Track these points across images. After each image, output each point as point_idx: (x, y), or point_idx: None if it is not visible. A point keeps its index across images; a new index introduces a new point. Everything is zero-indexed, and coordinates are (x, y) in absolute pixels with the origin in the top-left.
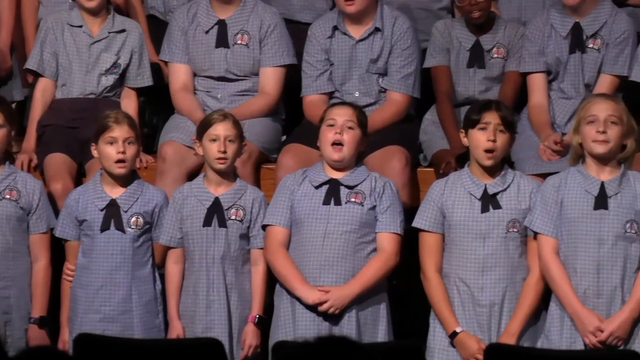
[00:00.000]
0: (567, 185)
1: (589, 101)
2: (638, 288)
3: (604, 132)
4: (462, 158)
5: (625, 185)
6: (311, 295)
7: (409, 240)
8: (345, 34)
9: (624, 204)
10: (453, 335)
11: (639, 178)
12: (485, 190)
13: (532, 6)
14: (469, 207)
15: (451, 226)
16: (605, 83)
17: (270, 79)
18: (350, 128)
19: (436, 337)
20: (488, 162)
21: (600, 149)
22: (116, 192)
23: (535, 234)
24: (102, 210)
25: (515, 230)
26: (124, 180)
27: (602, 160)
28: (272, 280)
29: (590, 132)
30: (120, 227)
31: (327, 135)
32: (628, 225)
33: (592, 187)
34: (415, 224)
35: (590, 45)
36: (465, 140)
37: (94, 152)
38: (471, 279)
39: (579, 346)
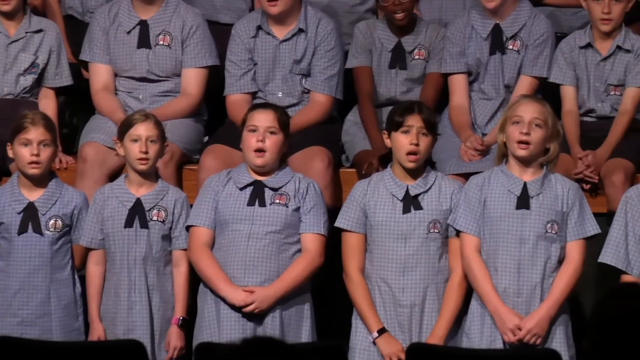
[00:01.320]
0: (491, 184)
1: (517, 101)
2: (556, 287)
3: (527, 134)
4: (385, 158)
5: (547, 186)
6: (236, 296)
7: (332, 240)
8: (269, 34)
9: (546, 205)
10: (379, 333)
11: (560, 179)
12: (407, 191)
13: (452, 7)
14: (391, 207)
15: (373, 226)
16: (524, 84)
17: (193, 80)
18: (272, 133)
19: (358, 337)
20: (411, 165)
21: (521, 152)
22: (34, 195)
23: (458, 232)
24: (19, 213)
25: (436, 231)
26: (42, 182)
27: (524, 162)
28: (194, 281)
29: (514, 133)
30: (38, 230)
31: (250, 141)
32: (549, 225)
33: (514, 187)
34: (338, 224)
35: (510, 47)
36: (388, 142)
37: (10, 153)
38: (392, 279)
39: (499, 344)
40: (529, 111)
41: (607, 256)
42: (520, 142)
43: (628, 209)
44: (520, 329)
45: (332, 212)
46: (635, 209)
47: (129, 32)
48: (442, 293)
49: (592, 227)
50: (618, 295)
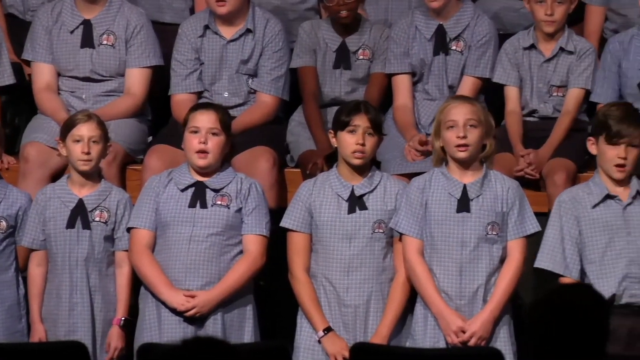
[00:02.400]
0: (432, 187)
1: (447, 105)
2: (498, 288)
3: (464, 137)
4: (331, 159)
5: (487, 187)
6: (177, 300)
7: (277, 240)
8: (216, 33)
9: (486, 207)
10: (326, 331)
11: (500, 178)
12: (352, 191)
13: (398, 8)
14: (336, 207)
15: (318, 226)
16: (468, 85)
17: (136, 79)
18: (214, 134)
19: (302, 336)
20: (357, 162)
21: (461, 155)
22: None
23: (401, 235)
24: None
25: (380, 231)
26: None
27: (464, 164)
28: (137, 282)
29: (451, 138)
30: None
31: (192, 143)
32: (489, 227)
33: (454, 189)
34: (283, 223)
35: (454, 48)
36: (334, 142)
37: None
38: (337, 279)
39: (442, 345)
40: (462, 113)
41: (544, 261)
42: (458, 145)
43: (562, 212)
44: (464, 331)
45: (277, 212)
46: (569, 212)
47: (72, 32)
48: (387, 292)
49: (532, 225)
50: (556, 295)
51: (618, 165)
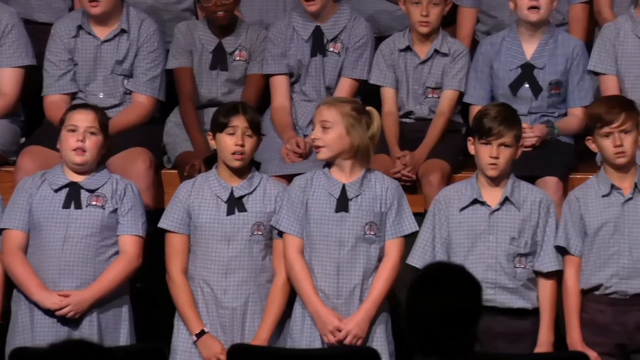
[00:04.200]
0: (313, 186)
1: (320, 105)
2: (375, 287)
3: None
4: (210, 160)
5: (366, 187)
6: (50, 300)
7: (155, 241)
8: (90, 34)
9: (364, 207)
10: (198, 336)
11: (380, 178)
12: (231, 192)
13: (273, 9)
14: (215, 209)
15: (197, 228)
16: (345, 86)
17: (8, 79)
18: (92, 134)
19: (180, 338)
20: (237, 164)
21: (319, 155)
22: None
23: (281, 233)
24: None
25: (259, 233)
26: None
27: (330, 164)
28: (10, 285)
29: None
30: None
31: (69, 142)
32: (367, 227)
33: (334, 189)
34: (162, 224)
35: (331, 49)
36: (213, 143)
37: None
38: (215, 281)
39: (317, 344)
40: (323, 115)
41: (414, 258)
42: (314, 146)
43: (436, 211)
44: (340, 331)
45: (154, 213)
46: (442, 212)
47: None
48: (265, 294)
49: (410, 225)
50: (428, 279)
51: (491, 164)
